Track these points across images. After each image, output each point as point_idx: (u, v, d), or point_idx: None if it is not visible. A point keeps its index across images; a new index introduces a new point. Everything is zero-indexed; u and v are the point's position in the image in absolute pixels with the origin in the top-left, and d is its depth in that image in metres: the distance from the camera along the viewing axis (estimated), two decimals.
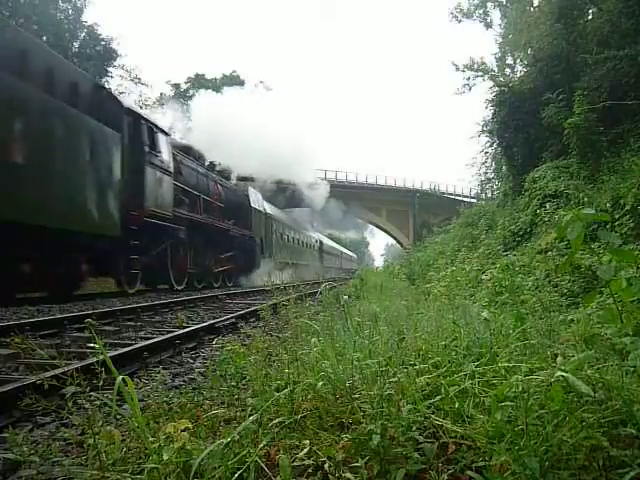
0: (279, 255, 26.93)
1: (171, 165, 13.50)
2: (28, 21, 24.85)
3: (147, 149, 12.02)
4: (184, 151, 16.22)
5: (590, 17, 13.13)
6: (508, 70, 28.85)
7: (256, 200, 23.08)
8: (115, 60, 31.00)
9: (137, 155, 11.67)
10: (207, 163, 18.75)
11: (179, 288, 14.49)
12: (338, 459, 1.43)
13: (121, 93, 30.27)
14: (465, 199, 37.04)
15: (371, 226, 55.54)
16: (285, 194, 30.99)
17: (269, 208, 26.22)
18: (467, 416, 1.49)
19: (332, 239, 52.96)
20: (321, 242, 41.72)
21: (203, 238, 16.18)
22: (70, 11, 29.60)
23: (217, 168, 19.70)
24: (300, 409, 1.79)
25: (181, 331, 5.37)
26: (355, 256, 68.44)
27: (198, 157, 17.60)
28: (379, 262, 69.93)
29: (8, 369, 3.71)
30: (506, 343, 2.08)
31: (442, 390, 1.61)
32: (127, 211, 11.11)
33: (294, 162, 26.93)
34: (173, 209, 13.43)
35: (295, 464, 1.45)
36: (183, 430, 1.50)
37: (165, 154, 13.09)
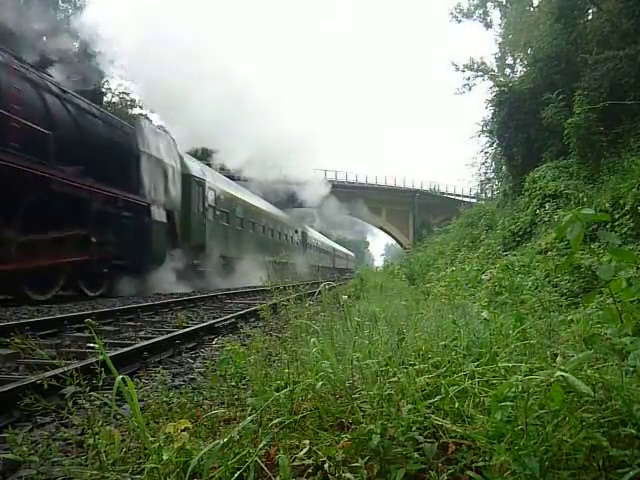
0: (218, 245, 17.53)
1: None
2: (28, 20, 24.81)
3: None
4: None
5: (590, 17, 13.13)
6: (508, 70, 28.90)
7: (158, 145, 13.49)
8: (115, 60, 30.95)
9: None
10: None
11: None
12: (338, 459, 1.42)
13: (121, 93, 30.27)
14: (465, 199, 37.12)
15: (371, 226, 55.49)
16: (282, 191, 27.72)
17: (196, 166, 16.65)
18: (467, 416, 1.49)
19: (326, 235, 47.25)
20: (304, 234, 33.13)
21: None
22: (70, 11, 29.61)
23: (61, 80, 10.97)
24: (300, 409, 1.79)
25: (181, 331, 5.37)
26: (352, 254, 62.69)
27: None
28: (379, 262, 69.70)
29: (8, 369, 3.72)
30: (506, 343, 2.08)
31: (442, 390, 1.61)
32: None
33: (294, 158, 26.10)
34: None
35: (295, 464, 1.45)
36: (183, 430, 1.50)
37: None
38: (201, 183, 16.37)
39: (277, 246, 25.06)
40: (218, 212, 17.90)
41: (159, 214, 13.15)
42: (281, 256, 20.70)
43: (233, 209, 19.77)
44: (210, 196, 17.06)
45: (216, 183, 18.17)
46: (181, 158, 15.48)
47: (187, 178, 15.31)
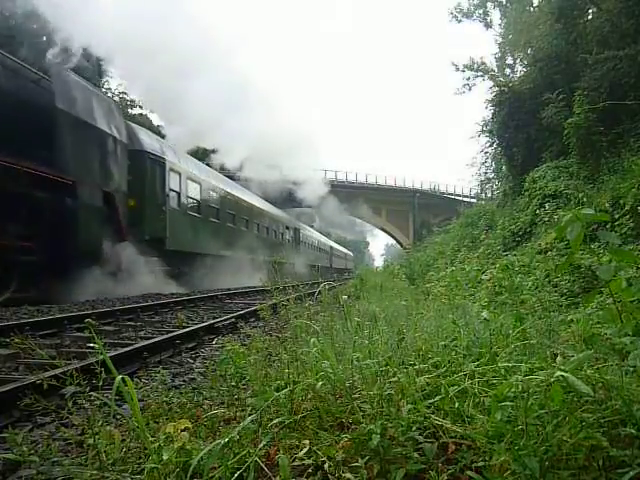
0: (186, 239, 14.78)
1: None
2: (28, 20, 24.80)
3: None
4: None
5: (590, 17, 13.12)
6: (508, 70, 28.90)
7: (90, 107, 10.75)
8: (115, 59, 30.91)
9: None
10: None
11: None
12: (338, 459, 1.43)
13: (121, 92, 30.26)
14: (465, 199, 37.16)
15: (371, 226, 55.49)
16: (280, 190, 26.82)
17: (152, 142, 13.76)
18: (467, 416, 1.49)
19: (325, 235, 45.49)
20: (297, 230, 30.28)
21: None
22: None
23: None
24: (300, 409, 1.79)
25: (181, 331, 5.38)
26: (351, 254, 60.98)
27: None
28: (379, 262, 69.66)
29: (8, 369, 3.72)
30: (506, 343, 2.08)
31: (442, 390, 1.61)
32: None
33: (294, 155, 25.81)
34: None
35: (295, 464, 1.45)
36: (183, 430, 1.50)
37: None
38: (159, 162, 13.32)
39: (263, 243, 21.89)
40: (185, 200, 14.87)
41: (91, 195, 10.29)
42: (272, 255, 17.72)
43: (206, 198, 16.51)
44: (173, 179, 14.00)
45: (182, 165, 14.99)
46: (129, 129, 12.76)
47: (139, 154, 12.59)
